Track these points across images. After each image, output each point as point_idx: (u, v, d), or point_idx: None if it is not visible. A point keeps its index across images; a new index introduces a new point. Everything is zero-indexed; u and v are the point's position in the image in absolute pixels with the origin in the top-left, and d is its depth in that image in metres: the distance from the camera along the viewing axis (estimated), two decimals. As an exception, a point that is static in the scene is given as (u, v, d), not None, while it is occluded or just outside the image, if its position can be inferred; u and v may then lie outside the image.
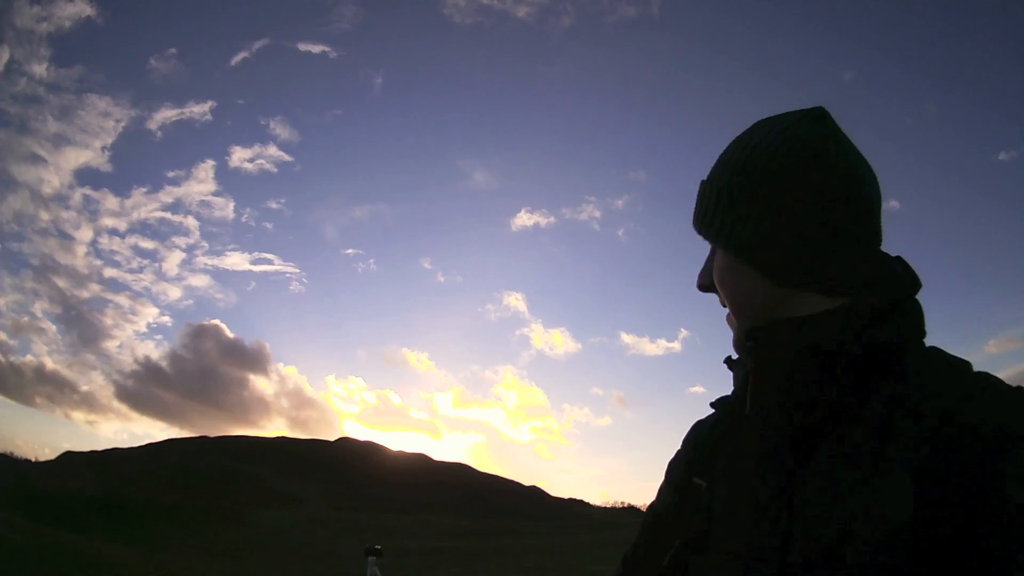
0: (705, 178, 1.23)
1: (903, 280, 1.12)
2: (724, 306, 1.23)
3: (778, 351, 1.08)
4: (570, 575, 23.88)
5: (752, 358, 1.12)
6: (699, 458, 1.29)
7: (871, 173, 1.14)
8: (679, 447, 1.39)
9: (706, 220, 1.19)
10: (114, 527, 41.75)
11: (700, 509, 1.20)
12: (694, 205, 1.23)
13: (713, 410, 1.32)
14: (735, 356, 1.23)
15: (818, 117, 1.16)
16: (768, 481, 1.08)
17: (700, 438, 1.33)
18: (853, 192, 1.09)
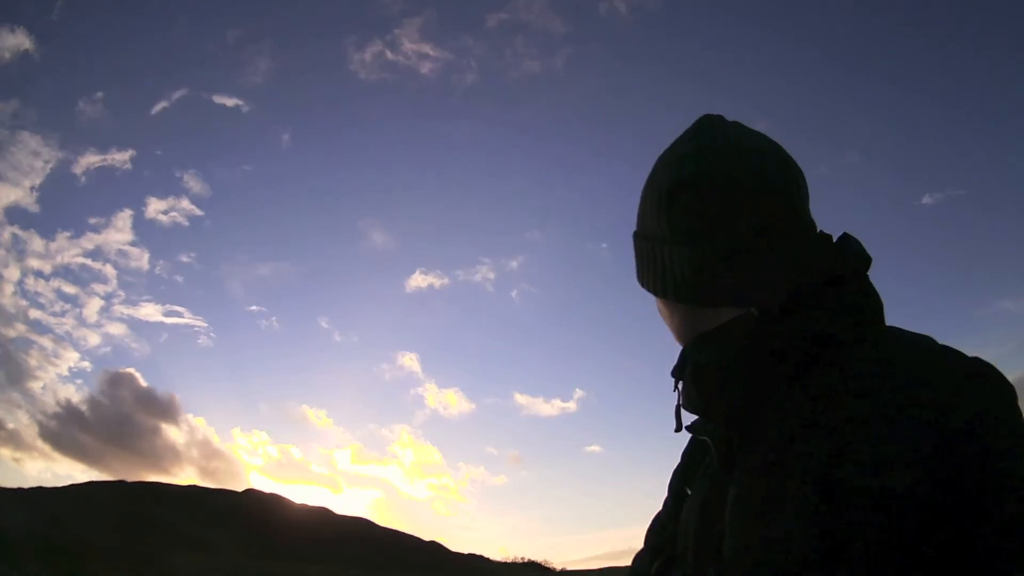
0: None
1: (846, 259, 1.09)
2: None
3: (692, 366, 1.11)
4: None
5: (678, 377, 1.16)
6: (688, 468, 1.29)
7: (779, 161, 1.10)
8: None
9: (637, 271, 1.21)
10: (43, 565, 43.37)
11: (656, 550, 1.24)
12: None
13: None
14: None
15: (699, 131, 1.14)
16: (712, 484, 1.10)
17: (692, 447, 1.32)
18: (760, 193, 1.05)
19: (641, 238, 1.19)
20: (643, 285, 1.20)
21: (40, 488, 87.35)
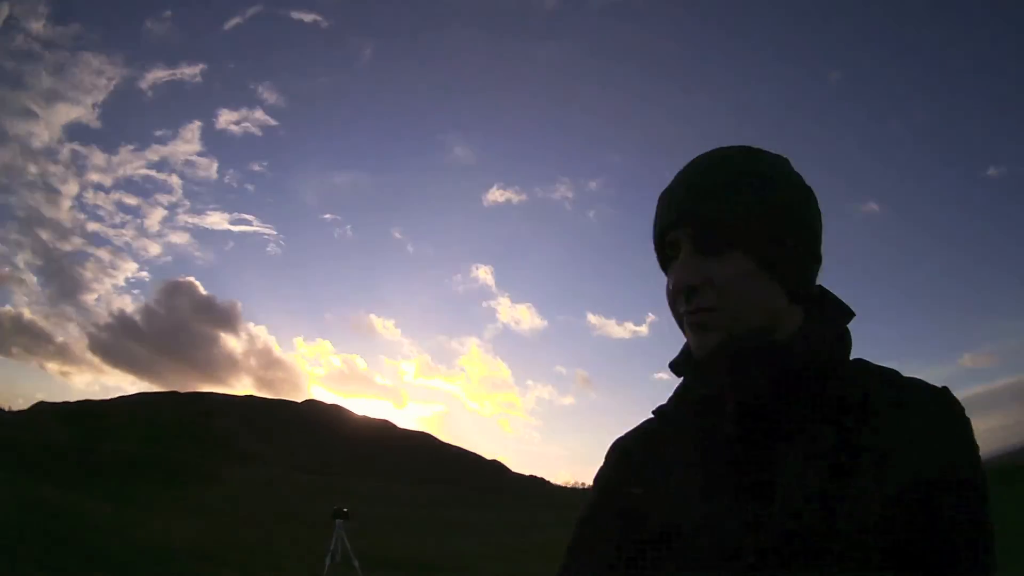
0: (700, 184, 1.29)
1: (844, 306, 1.28)
2: (695, 312, 1.24)
3: (756, 372, 1.19)
4: (529, 551, 24.26)
5: (730, 376, 1.21)
6: (631, 467, 1.35)
7: None
8: (603, 462, 1.44)
9: (736, 227, 1.23)
10: (87, 481, 41.90)
11: (640, 515, 1.26)
12: (694, 207, 1.26)
13: (654, 416, 1.39)
14: (678, 358, 1.34)
15: (788, 162, 1.34)
16: (729, 479, 1.18)
17: (628, 449, 1.40)
18: (821, 229, 1.30)
19: (784, 206, 1.26)
20: (762, 248, 1.22)
21: (88, 401, 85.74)
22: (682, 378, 1.34)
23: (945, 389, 1.20)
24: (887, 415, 1.15)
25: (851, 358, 1.26)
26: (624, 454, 1.40)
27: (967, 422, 1.17)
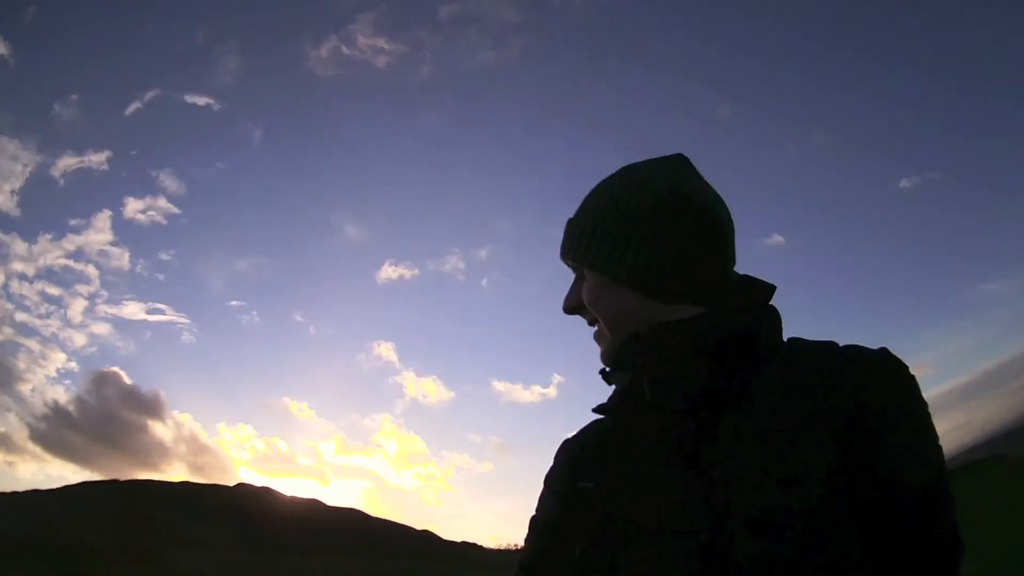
0: (572, 217, 1.39)
1: (759, 288, 1.33)
2: (592, 324, 1.37)
3: (665, 347, 1.23)
4: None
5: (643, 356, 1.25)
6: (581, 464, 1.36)
7: (725, 209, 1.36)
8: (552, 463, 1.46)
9: (583, 250, 1.33)
10: (43, 567, 44.71)
11: (595, 509, 1.25)
12: (563, 240, 1.39)
13: (599, 415, 1.39)
14: (608, 368, 1.38)
15: (683, 164, 1.39)
16: (680, 460, 1.18)
17: (576, 448, 1.42)
18: (711, 227, 1.30)
19: (622, 220, 1.32)
20: (602, 265, 1.32)
21: (35, 491, 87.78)
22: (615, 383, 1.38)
23: (884, 349, 1.23)
24: (827, 382, 1.17)
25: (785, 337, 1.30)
26: (572, 451, 1.43)
27: (913, 378, 1.21)
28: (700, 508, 1.12)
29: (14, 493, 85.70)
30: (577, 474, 1.35)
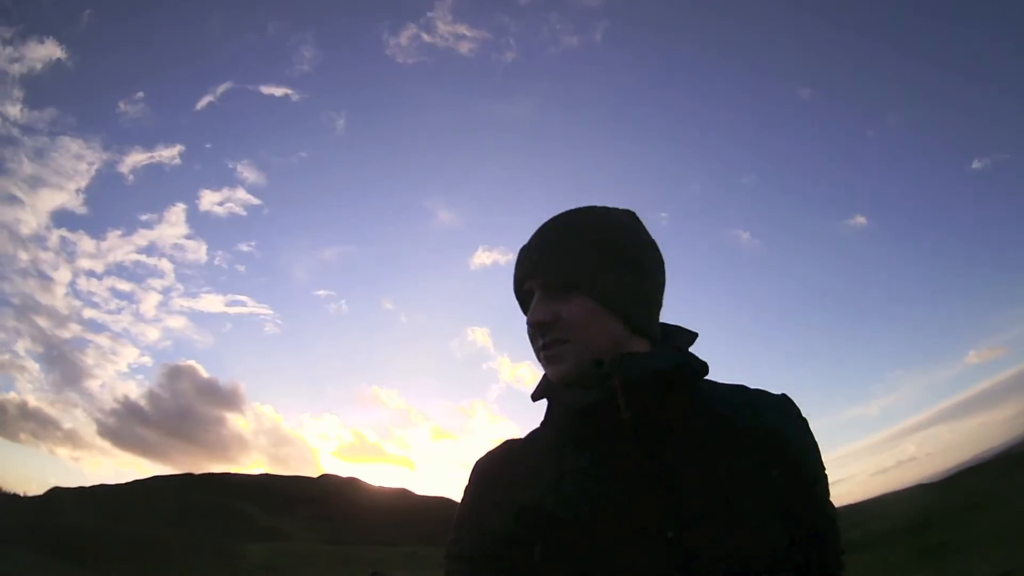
0: (553, 240, 1.54)
1: (687, 333, 1.57)
2: (549, 344, 1.48)
3: (637, 373, 1.42)
4: None
5: (619, 377, 1.42)
6: (516, 485, 1.46)
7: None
8: (470, 491, 1.55)
9: (580, 274, 1.47)
10: (111, 562, 41.42)
11: (550, 525, 1.37)
12: (545, 261, 1.52)
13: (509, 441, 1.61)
14: (561, 386, 1.51)
15: (631, 215, 1.63)
16: (641, 472, 1.38)
17: (506, 469, 1.53)
18: (664, 276, 1.58)
19: (618, 255, 1.51)
20: (600, 291, 1.47)
21: (103, 485, 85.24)
22: (547, 402, 1.57)
23: (785, 395, 1.55)
24: (747, 413, 1.46)
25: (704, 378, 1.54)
26: (499, 473, 1.54)
27: (807, 422, 1.53)
28: (665, 512, 1.33)
29: (81, 488, 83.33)
30: (515, 494, 1.45)
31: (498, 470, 1.54)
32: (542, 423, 1.56)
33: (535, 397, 1.57)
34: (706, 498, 1.34)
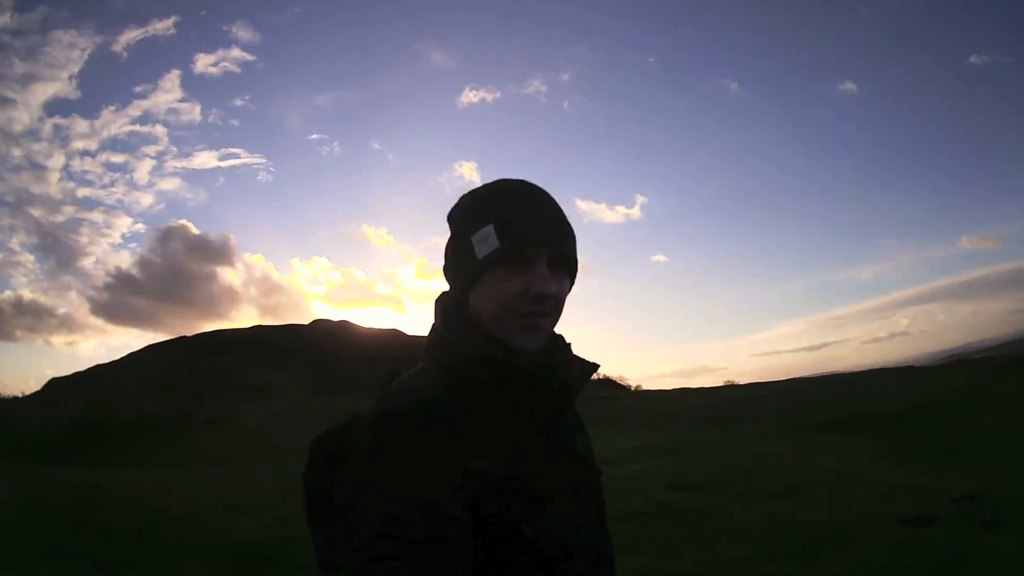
0: (556, 217, 1.56)
1: None
2: (542, 315, 1.47)
3: (569, 357, 1.62)
4: None
5: (567, 355, 1.61)
6: (467, 442, 1.33)
7: None
8: (407, 460, 1.28)
9: (576, 258, 1.58)
10: (103, 450, 42.01)
11: (501, 482, 1.33)
12: (566, 236, 1.55)
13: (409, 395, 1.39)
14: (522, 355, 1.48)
15: None
16: (565, 440, 1.54)
17: (448, 433, 1.33)
18: None
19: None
20: (575, 277, 1.61)
21: (98, 367, 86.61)
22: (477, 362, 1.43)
23: None
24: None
25: None
26: (449, 429, 1.35)
27: None
28: (586, 472, 1.55)
29: (76, 374, 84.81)
30: (465, 451, 1.33)
31: (441, 436, 1.33)
32: (465, 381, 1.44)
33: (490, 363, 1.44)
34: (583, 462, 1.55)
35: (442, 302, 1.58)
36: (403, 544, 1.21)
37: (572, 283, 1.58)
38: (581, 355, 1.65)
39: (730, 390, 45.96)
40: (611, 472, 16.49)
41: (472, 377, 1.43)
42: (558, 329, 1.58)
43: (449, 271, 1.59)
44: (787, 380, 41.24)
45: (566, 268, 1.54)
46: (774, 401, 28.25)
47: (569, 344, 1.64)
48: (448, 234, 1.61)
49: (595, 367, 1.63)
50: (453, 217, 1.61)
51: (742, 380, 59.96)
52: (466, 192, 1.62)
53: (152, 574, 10.30)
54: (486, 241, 1.47)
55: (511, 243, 1.45)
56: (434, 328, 1.55)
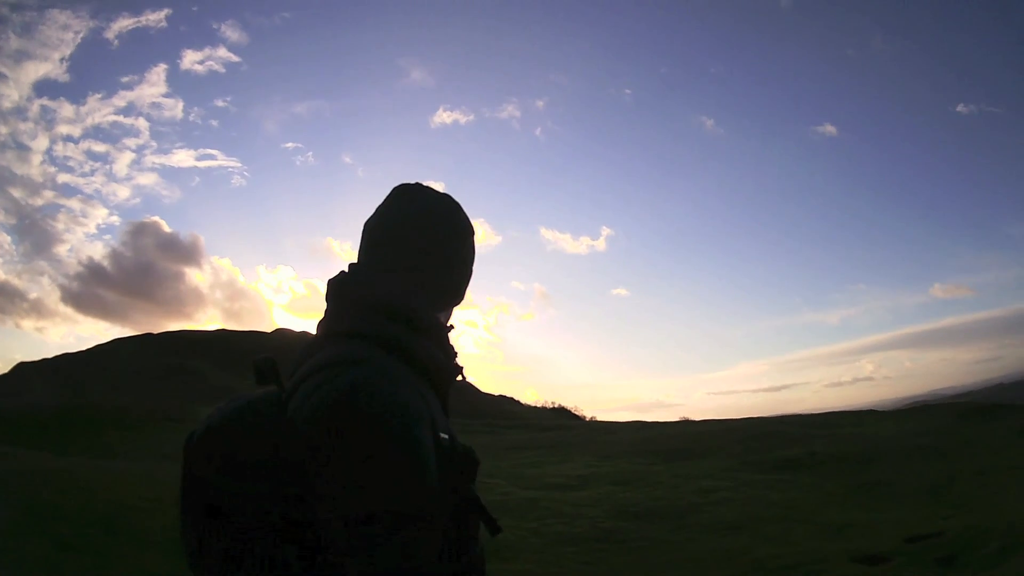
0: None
1: None
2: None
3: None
4: (503, 475, 21.66)
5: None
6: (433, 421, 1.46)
7: None
8: (416, 438, 1.36)
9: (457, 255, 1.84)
10: (69, 437, 43.43)
11: (460, 456, 1.47)
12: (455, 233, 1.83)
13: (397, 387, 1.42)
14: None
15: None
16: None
17: (427, 412, 1.44)
18: None
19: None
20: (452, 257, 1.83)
21: (65, 355, 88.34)
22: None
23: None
24: None
25: None
26: (425, 411, 1.44)
27: None
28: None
29: (44, 360, 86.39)
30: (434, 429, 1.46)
31: (427, 415, 1.44)
32: (410, 366, 1.54)
33: (455, 367, 1.68)
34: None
35: (379, 285, 1.73)
36: (426, 527, 1.32)
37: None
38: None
39: (684, 425, 44.52)
40: (558, 497, 17.46)
41: (408, 350, 1.56)
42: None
43: (454, 267, 1.87)
44: (742, 419, 39.91)
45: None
46: (727, 438, 27.18)
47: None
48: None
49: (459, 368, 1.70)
50: (469, 229, 1.94)
51: (697, 417, 60.14)
52: None
53: (111, 559, 10.68)
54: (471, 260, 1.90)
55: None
56: None
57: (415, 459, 1.34)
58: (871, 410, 41.58)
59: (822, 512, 15.06)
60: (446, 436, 1.46)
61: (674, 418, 66.97)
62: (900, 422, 31.90)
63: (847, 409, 44.92)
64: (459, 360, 1.71)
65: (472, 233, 1.89)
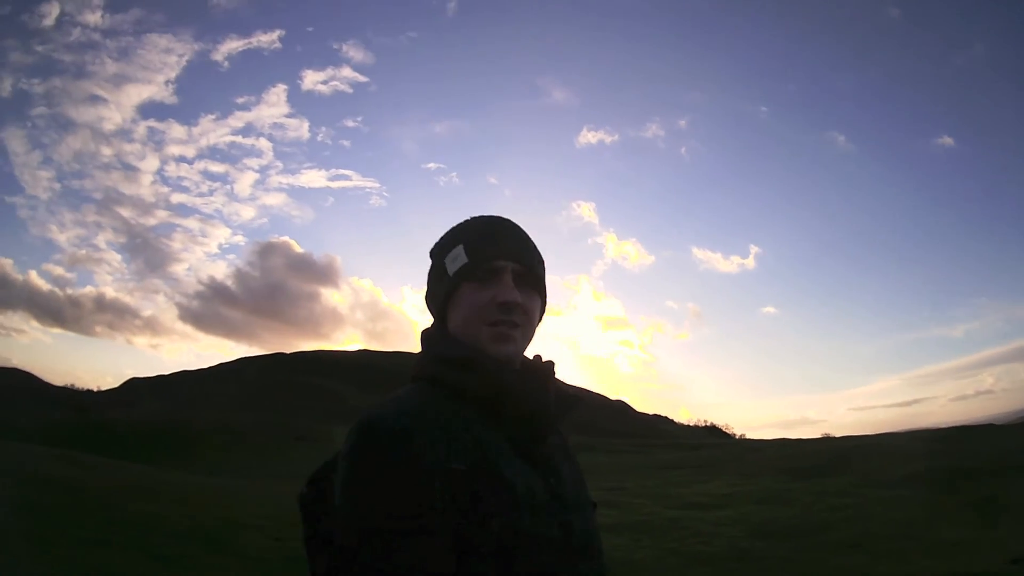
0: (523, 234, 1.72)
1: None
2: (512, 325, 1.58)
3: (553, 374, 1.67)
4: (649, 495, 22.88)
5: (549, 375, 1.64)
6: (450, 447, 1.40)
7: None
8: (392, 456, 1.36)
9: (542, 275, 1.71)
10: (179, 454, 41.67)
11: (476, 488, 1.38)
12: (528, 251, 1.68)
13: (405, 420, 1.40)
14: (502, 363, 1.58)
15: None
16: (548, 465, 1.55)
17: (429, 435, 1.40)
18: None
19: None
20: (545, 295, 1.73)
21: (183, 372, 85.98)
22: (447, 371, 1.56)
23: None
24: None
25: None
26: (437, 433, 1.43)
27: None
28: (557, 500, 1.51)
29: (160, 376, 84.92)
30: (448, 456, 1.42)
31: (422, 437, 1.41)
32: (443, 387, 1.55)
33: (465, 366, 1.55)
34: (571, 490, 1.59)
35: (424, 331, 1.71)
36: (396, 538, 1.31)
37: (543, 303, 1.71)
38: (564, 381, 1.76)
39: (824, 441, 48.04)
40: (700, 517, 18.56)
41: (450, 383, 1.53)
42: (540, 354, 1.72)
43: (428, 296, 1.75)
44: (875, 435, 43.93)
45: (535, 286, 1.67)
46: (859, 454, 28.94)
47: (552, 369, 1.68)
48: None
49: (576, 399, 1.69)
50: (432, 250, 1.75)
51: (838, 433, 64.47)
52: None
53: (203, 573, 10.56)
54: (457, 259, 1.64)
55: (477, 256, 1.62)
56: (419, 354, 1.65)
57: (384, 481, 1.36)
58: (990, 424, 44.97)
59: (935, 529, 15.51)
60: (461, 467, 1.40)
61: (817, 434, 75.93)
62: (1018, 437, 31.85)
63: (969, 423, 49.02)
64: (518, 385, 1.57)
65: (437, 252, 1.75)
